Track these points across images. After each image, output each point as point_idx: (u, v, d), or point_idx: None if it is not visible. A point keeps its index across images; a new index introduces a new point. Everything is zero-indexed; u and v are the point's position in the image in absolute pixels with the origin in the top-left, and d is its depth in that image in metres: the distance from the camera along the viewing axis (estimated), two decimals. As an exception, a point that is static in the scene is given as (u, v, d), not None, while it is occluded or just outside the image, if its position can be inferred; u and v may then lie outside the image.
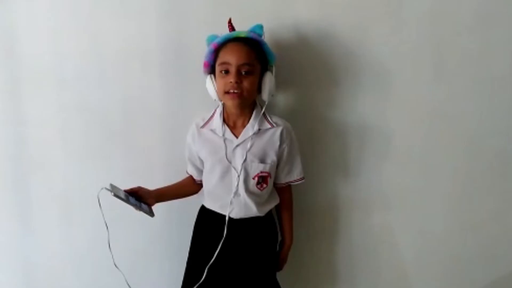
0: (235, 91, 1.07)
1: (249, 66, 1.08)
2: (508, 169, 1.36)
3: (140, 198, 1.12)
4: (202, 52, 1.22)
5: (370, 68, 1.29)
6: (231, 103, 1.11)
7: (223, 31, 1.14)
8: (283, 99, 1.33)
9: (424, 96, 1.31)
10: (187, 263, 1.27)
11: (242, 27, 1.14)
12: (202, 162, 1.23)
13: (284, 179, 1.23)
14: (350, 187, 1.39)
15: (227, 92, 1.09)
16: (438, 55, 1.28)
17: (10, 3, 1.33)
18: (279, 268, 1.31)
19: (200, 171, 1.25)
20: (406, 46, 1.27)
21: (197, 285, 1.13)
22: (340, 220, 1.41)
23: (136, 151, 1.40)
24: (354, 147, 1.35)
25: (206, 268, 1.13)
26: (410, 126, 1.33)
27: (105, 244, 1.32)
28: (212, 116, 1.19)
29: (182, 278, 1.26)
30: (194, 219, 1.28)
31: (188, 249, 1.27)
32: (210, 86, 1.15)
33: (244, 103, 1.12)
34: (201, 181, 1.25)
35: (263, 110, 1.17)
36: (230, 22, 1.14)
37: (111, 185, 1.05)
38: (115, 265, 1.12)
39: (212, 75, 1.15)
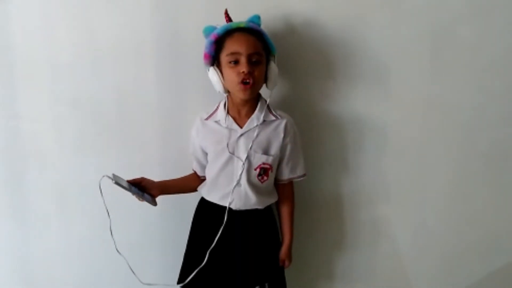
0: (248, 81, 1.07)
1: (258, 56, 1.08)
2: (505, 161, 1.36)
3: (144, 189, 1.14)
4: (197, 43, 1.22)
5: (366, 60, 1.29)
6: (243, 94, 1.10)
7: (218, 21, 1.14)
8: (276, 92, 1.31)
9: (420, 88, 1.31)
10: (186, 252, 1.28)
11: (236, 18, 1.15)
12: (205, 156, 1.23)
13: (287, 176, 1.22)
14: (345, 181, 1.39)
15: (240, 83, 1.08)
16: (434, 46, 1.28)
17: (3, -5, 1.32)
18: (283, 266, 1.28)
19: (204, 167, 1.25)
20: (403, 37, 1.28)
21: (198, 268, 1.15)
22: (335, 214, 1.42)
23: (131, 144, 1.39)
24: (350, 140, 1.36)
25: (207, 253, 1.14)
26: (406, 119, 1.33)
27: (101, 236, 1.29)
28: (216, 109, 1.20)
29: (179, 266, 1.27)
30: (192, 210, 1.29)
31: (185, 239, 1.29)
32: (215, 77, 1.13)
33: (254, 93, 1.12)
34: (204, 177, 1.25)
35: (268, 100, 1.16)
36: (226, 12, 1.15)
37: (114, 174, 1.05)
38: (117, 251, 1.12)
39: (215, 67, 1.15)
